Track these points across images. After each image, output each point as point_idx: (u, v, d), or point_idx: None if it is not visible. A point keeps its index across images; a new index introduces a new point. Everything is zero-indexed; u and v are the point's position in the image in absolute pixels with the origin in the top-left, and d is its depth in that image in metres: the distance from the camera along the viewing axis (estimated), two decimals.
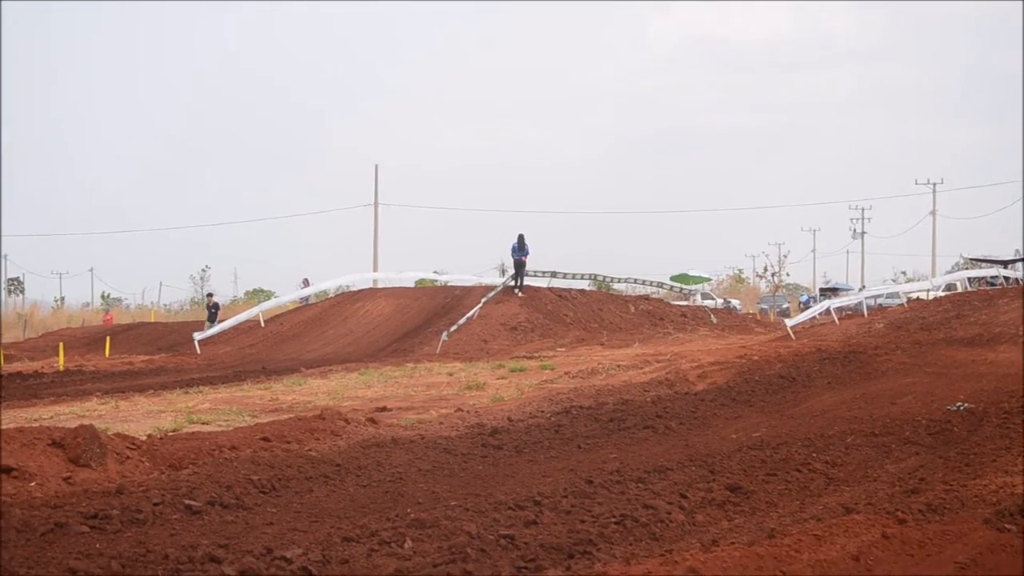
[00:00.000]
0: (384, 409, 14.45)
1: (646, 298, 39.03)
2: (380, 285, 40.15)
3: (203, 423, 13.26)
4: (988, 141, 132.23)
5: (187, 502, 7.93)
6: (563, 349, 25.45)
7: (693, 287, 46.62)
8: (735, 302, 47.30)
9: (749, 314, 47.25)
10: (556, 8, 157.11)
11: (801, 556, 5.91)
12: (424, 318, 31.54)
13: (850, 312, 32.05)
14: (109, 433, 9.96)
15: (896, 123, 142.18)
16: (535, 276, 33.95)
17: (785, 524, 7.06)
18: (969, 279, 37.54)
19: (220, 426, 12.76)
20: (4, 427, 10.12)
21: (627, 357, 21.62)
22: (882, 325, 25.04)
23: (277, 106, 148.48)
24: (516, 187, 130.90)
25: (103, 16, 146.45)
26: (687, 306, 38.46)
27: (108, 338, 34.24)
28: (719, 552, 5.92)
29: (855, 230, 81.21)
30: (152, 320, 49.71)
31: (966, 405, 12.13)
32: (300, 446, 10.66)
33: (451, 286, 38.56)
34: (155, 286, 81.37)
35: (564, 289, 34.61)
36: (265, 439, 10.71)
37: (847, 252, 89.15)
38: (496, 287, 33.21)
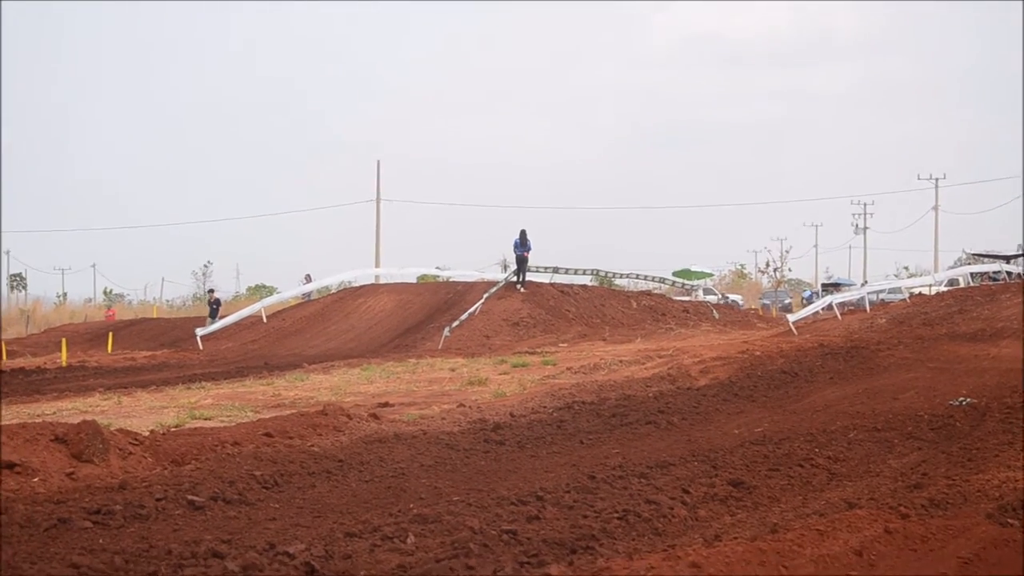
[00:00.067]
0: (386, 405, 14.46)
1: (648, 294, 38.98)
2: (382, 281, 40.16)
3: (205, 419, 13.27)
4: (991, 136, 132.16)
5: (190, 497, 7.93)
6: (565, 345, 25.45)
7: (695, 283, 46.59)
8: (732, 297, 47.18)
9: (751, 309, 47.21)
10: (558, 5, 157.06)
11: (804, 551, 5.91)
12: (426, 314, 31.54)
13: (852, 307, 32.07)
14: (112, 429, 9.98)
15: (898, 118, 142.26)
16: (537, 272, 33.92)
17: (787, 519, 7.06)
18: (972, 274, 37.56)
19: (222, 422, 12.78)
20: (7, 423, 10.12)
21: (629, 352, 21.63)
22: (884, 320, 25.04)
23: (279, 102, 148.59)
24: (518, 183, 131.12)
25: (105, 13, 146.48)
26: (689, 302, 38.44)
27: (110, 334, 34.30)
28: (722, 547, 5.91)
29: (857, 225, 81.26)
30: (154, 316, 49.73)
31: (968, 400, 12.12)
32: (303, 442, 10.66)
33: (453, 282, 38.56)
34: (157, 282, 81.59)
35: (566, 285, 34.59)
36: (267, 435, 10.71)
37: (849, 247, 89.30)
38: (498, 283, 33.19)
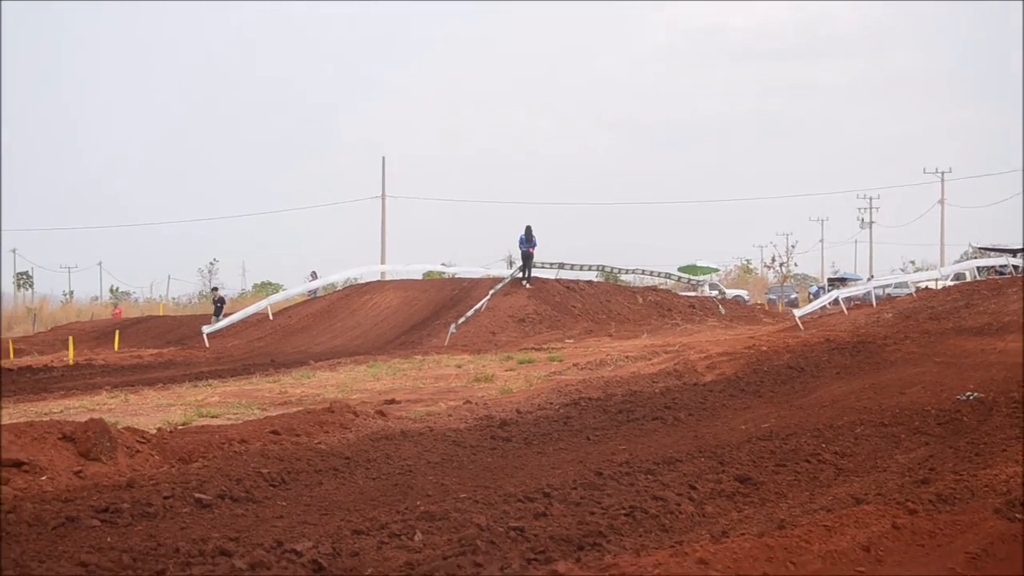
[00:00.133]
0: (393, 402, 14.46)
1: (654, 289, 39.00)
2: (388, 277, 40.17)
3: (212, 416, 13.28)
4: (997, 129, 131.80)
5: (197, 495, 7.94)
6: (571, 340, 25.45)
7: (701, 278, 46.55)
8: (732, 292, 47.22)
9: (757, 304, 47.17)
10: (559, 5, 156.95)
11: (811, 547, 5.91)
12: (432, 310, 31.55)
13: (859, 302, 32.03)
14: (119, 427, 10.00)
15: (904, 111, 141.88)
16: (543, 268, 33.95)
17: (795, 515, 7.05)
18: (978, 268, 37.47)
19: (229, 419, 12.78)
20: (15, 422, 10.14)
21: (635, 348, 21.62)
22: (891, 315, 25.00)
23: (285, 99, 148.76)
24: (523, 179, 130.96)
25: (111, 10, 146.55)
26: (695, 297, 38.42)
27: (117, 332, 34.35)
28: (729, 543, 5.91)
29: (863, 219, 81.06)
30: (161, 314, 49.84)
31: (976, 395, 12.09)
32: (309, 439, 10.67)
33: (459, 278, 38.59)
34: (163, 280, 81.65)
35: (572, 280, 34.62)
36: (274, 432, 10.72)
37: (855, 242, 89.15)
38: (504, 279, 33.21)
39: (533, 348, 23.44)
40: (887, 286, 36.43)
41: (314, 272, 43.47)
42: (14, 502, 7.50)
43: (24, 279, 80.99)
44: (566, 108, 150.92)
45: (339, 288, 40.51)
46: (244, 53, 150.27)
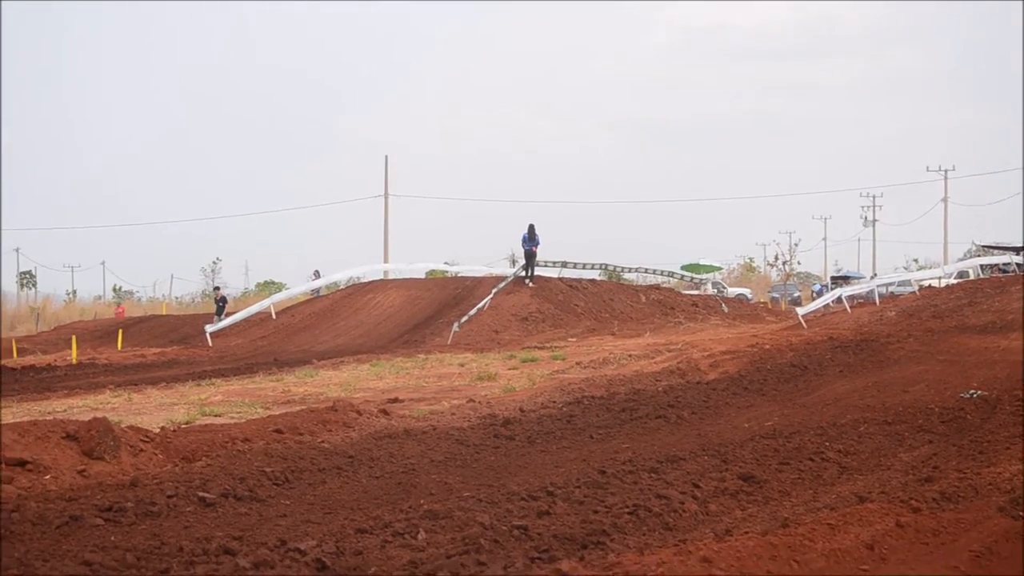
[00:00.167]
0: (396, 400, 14.47)
1: (657, 287, 38.99)
2: (391, 276, 40.18)
3: (216, 415, 13.29)
4: (1000, 127, 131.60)
5: (201, 494, 7.94)
6: (574, 339, 25.45)
7: (704, 276, 46.53)
8: (735, 291, 47.17)
9: (760, 303, 47.14)
10: (560, 5, 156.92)
11: (815, 545, 5.90)
12: (435, 309, 31.56)
13: (862, 300, 31.97)
14: (123, 426, 10.00)
15: (906, 109, 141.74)
16: (546, 266, 33.94)
17: (799, 513, 7.04)
18: (981, 266, 37.39)
19: (233, 418, 12.79)
20: (19, 421, 10.16)
21: (638, 347, 21.61)
22: (894, 313, 24.97)
23: (287, 98, 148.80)
24: (526, 177, 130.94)
25: (111, 10, 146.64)
26: (698, 295, 38.39)
27: (120, 331, 34.39)
28: (733, 542, 5.90)
29: (866, 218, 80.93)
30: (164, 313, 49.88)
31: (979, 392, 12.06)
32: (313, 438, 10.67)
33: (462, 277, 38.58)
34: (166, 279, 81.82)
35: (575, 279, 34.61)
36: (278, 431, 10.72)
37: (858, 240, 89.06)
38: (507, 277, 33.21)
39: (536, 347, 23.43)
40: (890, 284, 36.37)
41: (317, 271, 43.49)
42: (18, 501, 7.50)
43: (27, 278, 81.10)
44: (566, 108, 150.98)
45: (342, 287, 40.52)
46: (245, 53, 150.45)
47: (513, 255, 55.91)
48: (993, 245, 43.20)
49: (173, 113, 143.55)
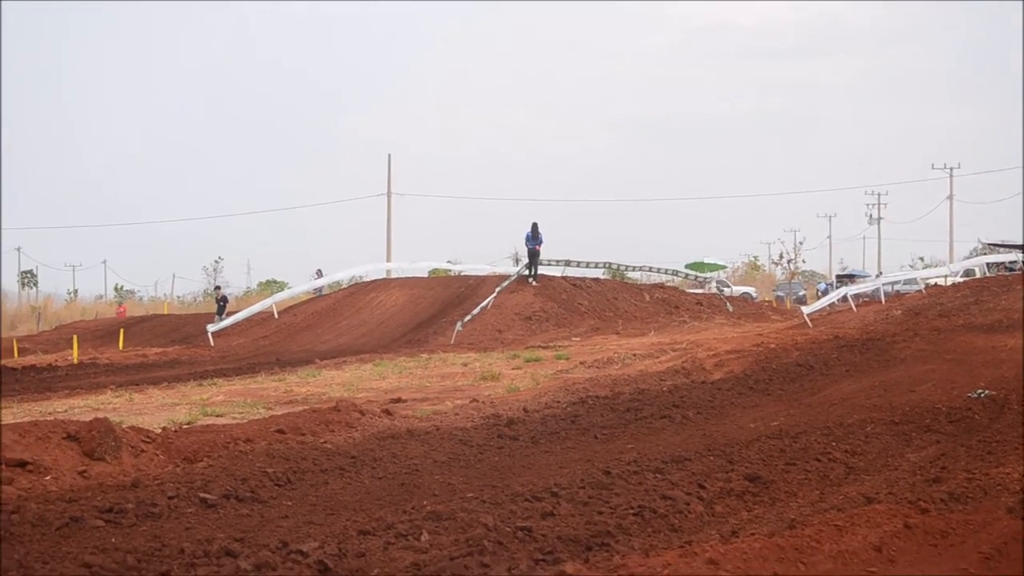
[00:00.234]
0: (399, 400, 14.42)
1: (661, 286, 38.93)
2: (394, 275, 40.15)
3: (217, 416, 13.25)
4: (1006, 125, 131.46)
5: (202, 495, 7.89)
6: (578, 338, 25.38)
7: (708, 275, 46.45)
8: (740, 289, 47.09)
9: (765, 302, 47.05)
10: (562, 5, 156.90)
11: (822, 547, 5.83)
12: (438, 308, 31.52)
13: (867, 299, 31.92)
14: (124, 426, 9.95)
15: (911, 107, 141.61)
16: (549, 265, 33.89)
17: (805, 514, 6.97)
18: (988, 264, 37.33)
19: (234, 418, 12.74)
20: (19, 421, 10.11)
21: (643, 346, 21.55)
22: (900, 312, 24.89)
23: (290, 97, 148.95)
24: (529, 176, 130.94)
25: (111, 10, 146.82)
26: (703, 294, 38.33)
27: (122, 331, 34.40)
28: (739, 543, 5.84)
29: (871, 216, 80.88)
30: (165, 312, 49.90)
31: (987, 392, 11.98)
32: (315, 438, 10.62)
33: (465, 276, 38.57)
34: (168, 278, 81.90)
35: (578, 278, 34.56)
36: (280, 431, 10.67)
37: (863, 238, 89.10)
38: (510, 276, 33.15)
39: (540, 346, 23.38)
40: (896, 283, 36.30)
41: (319, 270, 43.51)
42: (18, 502, 7.46)
43: (28, 278, 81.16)
44: (566, 108, 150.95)
45: (345, 286, 40.53)
46: (245, 52, 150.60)
47: (517, 254, 55.85)
48: (1000, 243, 43.14)
49: (174, 113, 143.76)
